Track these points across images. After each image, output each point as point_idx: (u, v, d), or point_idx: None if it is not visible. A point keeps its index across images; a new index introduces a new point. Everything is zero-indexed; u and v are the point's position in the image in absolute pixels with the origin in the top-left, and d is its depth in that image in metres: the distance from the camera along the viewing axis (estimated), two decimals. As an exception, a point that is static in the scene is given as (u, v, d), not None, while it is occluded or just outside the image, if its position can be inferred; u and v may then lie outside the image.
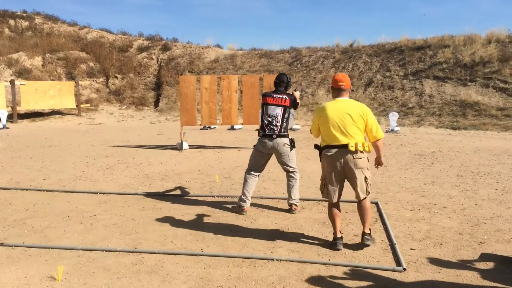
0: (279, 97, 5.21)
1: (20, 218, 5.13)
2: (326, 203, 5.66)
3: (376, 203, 5.49)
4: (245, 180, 5.31)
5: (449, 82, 16.71)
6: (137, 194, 6.27)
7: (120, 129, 16.07)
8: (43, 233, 4.64)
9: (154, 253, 4.06)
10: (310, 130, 4.37)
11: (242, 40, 68.01)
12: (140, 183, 7.04)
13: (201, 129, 15.55)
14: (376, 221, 4.93)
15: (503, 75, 15.90)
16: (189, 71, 23.75)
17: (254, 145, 5.39)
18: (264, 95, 5.30)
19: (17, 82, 17.74)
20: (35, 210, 5.48)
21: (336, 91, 4.11)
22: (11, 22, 27.39)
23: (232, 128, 15.43)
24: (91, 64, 24.24)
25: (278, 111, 5.15)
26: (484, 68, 16.56)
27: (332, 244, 4.12)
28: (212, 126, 15.52)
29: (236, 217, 5.17)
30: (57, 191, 6.45)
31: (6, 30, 26.32)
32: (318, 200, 5.84)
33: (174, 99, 22.11)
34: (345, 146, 3.90)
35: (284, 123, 5.19)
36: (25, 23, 27.74)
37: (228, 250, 4.12)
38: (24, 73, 21.76)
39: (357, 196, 4.07)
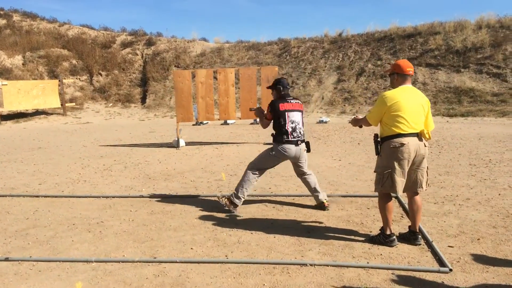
0: (296, 102, 5.06)
1: (22, 228, 4.76)
2: (345, 199, 5.46)
3: (397, 197, 5.27)
4: (249, 180, 5.05)
5: (442, 69, 16.64)
6: (142, 196, 5.93)
7: (109, 127, 15.58)
8: (50, 244, 4.29)
9: (176, 262, 3.76)
10: (365, 117, 4.05)
11: (225, 33, 67.24)
12: (143, 184, 6.69)
13: (193, 124, 15.18)
14: (402, 216, 4.71)
15: (496, 60, 15.88)
16: (175, 66, 23.25)
17: (271, 151, 4.99)
18: (282, 102, 4.97)
19: (-2, 82, 17.05)
20: (36, 218, 5.10)
21: (402, 77, 3.87)
22: (-12, 20, 26.40)
23: (225, 123, 15.10)
24: (74, 61, 23.52)
25: (299, 116, 5.00)
26: (477, 54, 16.52)
27: (388, 241, 3.89)
28: (205, 122, 15.16)
29: (254, 218, 4.90)
30: (56, 196, 6.07)
31: (-17, 28, 25.36)
32: (335, 196, 5.60)
33: (162, 95, 21.64)
34: (418, 134, 3.73)
35: (303, 128, 5.06)
36: (2, 21, 26.77)
37: (254, 255, 3.85)
38: (4, 73, 20.99)
39: (418, 188, 3.86)
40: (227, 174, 7.16)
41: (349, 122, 4.41)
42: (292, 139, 4.88)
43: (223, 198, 5.18)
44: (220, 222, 4.76)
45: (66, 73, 22.46)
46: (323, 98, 18.08)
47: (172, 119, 17.60)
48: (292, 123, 4.91)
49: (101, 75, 23.24)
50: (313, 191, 5.10)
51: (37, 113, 18.86)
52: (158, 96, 21.54)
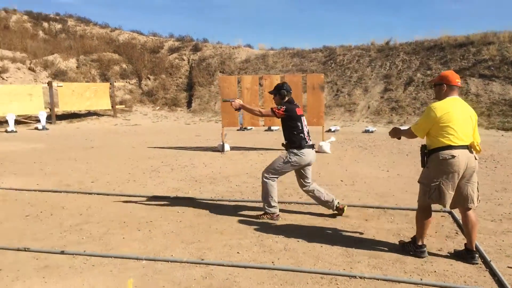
0: (300, 107, 5.15)
1: (76, 223, 4.94)
2: (393, 212, 5.31)
3: (450, 212, 5.07)
4: (273, 187, 5.02)
5: (496, 81, 15.93)
6: (190, 198, 6.02)
7: (157, 130, 15.99)
8: (102, 240, 4.43)
9: (223, 265, 3.78)
10: (410, 128, 3.93)
11: (269, 39, 67.53)
12: (189, 186, 6.80)
13: (238, 130, 15.30)
14: (457, 233, 4.52)
15: (556, 73, 15.02)
16: (220, 72, 23.60)
17: (289, 159, 4.91)
18: (295, 106, 5.01)
19: (54, 84, 17.93)
20: (90, 214, 5.30)
21: (451, 88, 3.77)
22: (45, 24, 27.88)
23: (269, 129, 15.13)
24: (124, 65, 24.38)
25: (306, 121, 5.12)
26: (534, 65, 15.72)
27: (419, 251, 3.85)
28: (249, 127, 15.25)
29: (300, 225, 4.85)
30: (108, 194, 6.27)
31: (41, 32, 26.80)
32: (383, 208, 5.46)
33: (207, 100, 22.01)
34: (468, 146, 3.63)
35: None
36: (58, 26, 28.19)
37: (301, 264, 3.80)
38: (59, 75, 22.03)
39: (469, 203, 3.73)
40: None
41: (389, 134, 4.27)
42: (310, 144, 4.96)
43: (262, 217, 5.10)
44: (265, 228, 4.75)
45: (117, 77, 23.31)
46: (369, 107, 17.75)
47: (217, 123, 17.85)
48: (306, 127, 4.99)
49: (149, 79, 23.94)
50: (326, 199, 5.05)
51: (89, 114, 19.67)
52: (203, 101, 21.92)
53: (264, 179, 5.02)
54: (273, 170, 5.02)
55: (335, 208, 5.07)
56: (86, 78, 22.63)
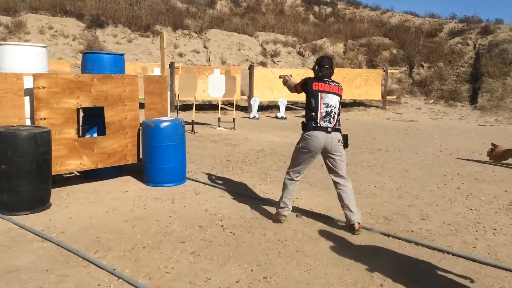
0: (335, 85, 4.29)
1: None
2: None
3: None
4: (285, 186, 4.28)
5: None
6: None
7: (444, 130, 12.68)
8: None
9: None
10: None
11: None
12: None
13: None
14: None
15: None
16: (520, 60, 18.30)
17: (296, 145, 4.24)
18: (317, 81, 4.22)
19: (325, 69, 16.61)
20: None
21: None
22: (316, 8, 27.53)
23: None
24: (394, 51, 21.63)
25: (336, 101, 4.20)
26: None
27: None
28: None
29: None
30: (464, 257, 3.61)
31: (311, 16, 26.51)
32: None
33: (500, 96, 17.30)
34: None
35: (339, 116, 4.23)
36: (328, 9, 27.45)
37: None
38: (327, 60, 20.95)
39: None
40: None
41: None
42: (322, 125, 4.06)
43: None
44: None
45: (385, 63, 20.79)
46: None
47: (526, 129, 13.34)
48: (326, 107, 4.12)
49: (422, 67, 20.58)
50: (345, 207, 4.10)
51: (355, 103, 17.81)
52: (495, 96, 17.31)
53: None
54: (291, 164, 4.35)
55: (349, 223, 4.09)
56: (352, 64, 20.92)
